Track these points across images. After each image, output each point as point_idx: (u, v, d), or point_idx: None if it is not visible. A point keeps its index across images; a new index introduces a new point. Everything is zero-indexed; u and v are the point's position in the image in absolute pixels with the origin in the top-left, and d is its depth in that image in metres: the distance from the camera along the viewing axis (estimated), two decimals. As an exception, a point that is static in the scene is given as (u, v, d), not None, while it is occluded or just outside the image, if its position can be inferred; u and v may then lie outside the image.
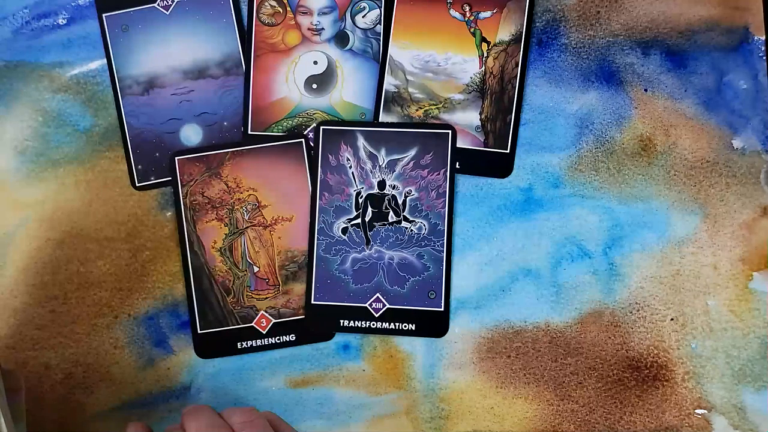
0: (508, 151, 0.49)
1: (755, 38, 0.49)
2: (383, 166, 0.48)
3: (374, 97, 0.49)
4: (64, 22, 0.50)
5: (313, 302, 0.48)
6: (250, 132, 0.49)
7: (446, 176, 0.48)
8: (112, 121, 0.50)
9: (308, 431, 0.47)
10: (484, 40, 0.49)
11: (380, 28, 0.50)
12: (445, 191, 0.48)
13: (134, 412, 0.48)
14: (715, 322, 0.47)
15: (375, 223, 0.48)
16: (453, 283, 0.48)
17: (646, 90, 0.49)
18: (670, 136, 0.49)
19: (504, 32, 0.49)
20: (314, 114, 0.49)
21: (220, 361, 0.48)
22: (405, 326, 0.47)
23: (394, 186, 0.48)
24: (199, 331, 0.48)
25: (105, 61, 0.50)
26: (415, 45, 0.49)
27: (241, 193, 0.48)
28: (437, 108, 0.49)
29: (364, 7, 0.50)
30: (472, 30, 0.49)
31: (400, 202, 0.48)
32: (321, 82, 0.50)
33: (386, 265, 0.48)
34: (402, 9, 0.49)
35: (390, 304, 0.48)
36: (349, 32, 0.50)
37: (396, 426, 0.47)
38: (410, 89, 0.49)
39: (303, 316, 0.48)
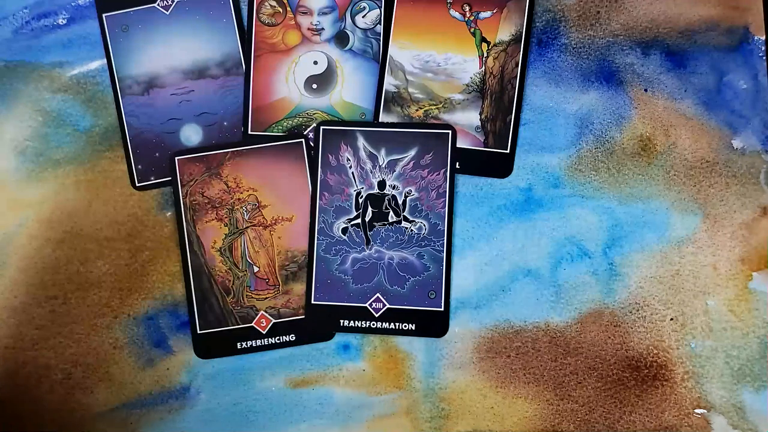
0: (508, 151, 0.49)
1: (755, 38, 0.49)
2: (383, 166, 0.48)
3: (374, 97, 0.49)
4: (64, 22, 0.50)
5: (313, 302, 0.48)
6: (250, 132, 0.49)
7: (446, 176, 0.48)
8: (112, 121, 0.50)
9: (308, 431, 0.47)
10: (484, 40, 0.49)
11: (380, 28, 0.50)
12: (445, 191, 0.48)
13: (134, 412, 0.48)
14: (714, 322, 0.47)
15: (375, 223, 0.48)
16: (453, 283, 0.48)
17: (646, 90, 0.49)
18: (670, 136, 0.49)
19: (504, 32, 0.49)
20: (314, 114, 0.49)
21: (220, 361, 0.48)
22: (405, 326, 0.47)
23: (394, 186, 0.48)
24: (198, 332, 0.48)
25: (105, 61, 0.50)
26: (415, 45, 0.49)
27: (241, 193, 0.48)
28: (437, 108, 0.49)
29: (364, 7, 0.50)
30: (472, 30, 0.49)
31: (400, 202, 0.48)
32: (321, 82, 0.50)
33: (386, 265, 0.48)
34: (402, 9, 0.49)
35: (390, 304, 0.48)
36: (349, 32, 0.50)
37: (396, 426, 0.47)
38: (410, 89, 0.49)
39: (303, 316, 0.48)
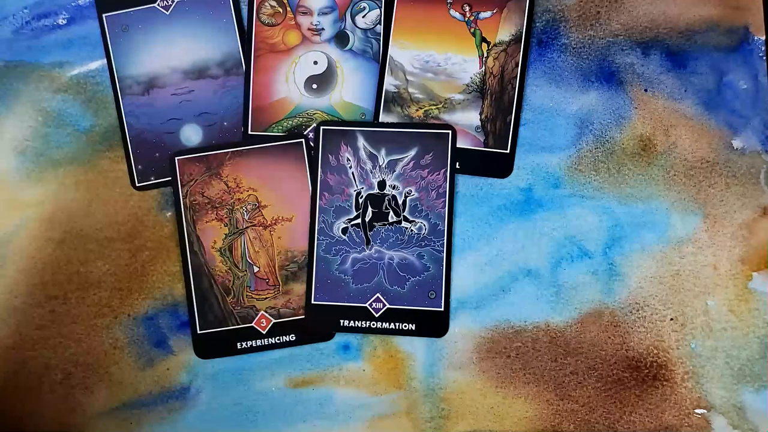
0: (508, 151, 0.49)
1: (755, 38, 0.49)
2: (383, 166, 0.48)
3: (374, 97, 0.49)
4: (64, 22, 0.50)
5: (313, 302, 0.48)
6: (250, 132, 0.49)
7: (446, 176, 0.48)
8: (112, 121, 0.50)
9: (308, 431, 0.47)
10: (484, 40, 0.49)
11: (380, 28, 0.50)
12: (445, 191, 0.48)
13: (134, 412, 0.48)
14: (714, 322, 0.47)
15: (375, 223, 0.48)
16: (453, 283, 0.48)
17: (646, 90, 0.49)
18: (670, 136, 0.49)
19: (504, 32, 0.49)
20: (314, 114, 0.49)
21: (220, 361, 0.48)
22: (405, 326, 0.47)
23: (394, 186, 0.48)
24: (198, 332, 0.48)
25: (105, 61, 0.50)
26: (415, 45, 0.49)
27: (241, 193, 0.48)
28: (437, 108, 0.49)
29: (364, 7, 0.50)
30: (472, 30, 0.49)
31: (400, 202, 0.48)
32: (321, 82, 0.50)
33: (386, 265, 0.48)
34: (402, 9, 0.49)
35: (390, 304, 0.48)
36: (349, 32, 0.50)
37: (396, 426, 0.47)
38: (410, 89, 0.49)
39: (303, 316, 0.48)
